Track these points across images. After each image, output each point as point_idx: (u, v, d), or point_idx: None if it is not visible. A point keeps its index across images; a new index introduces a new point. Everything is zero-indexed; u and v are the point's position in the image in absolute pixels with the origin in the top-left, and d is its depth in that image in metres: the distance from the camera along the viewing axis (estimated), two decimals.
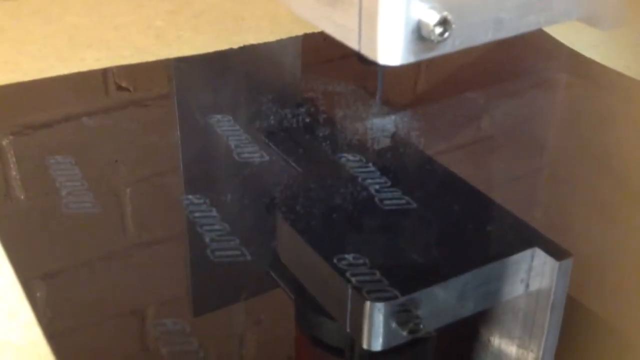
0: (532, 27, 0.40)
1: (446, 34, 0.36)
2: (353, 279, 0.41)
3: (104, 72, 0.64)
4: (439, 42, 0.36)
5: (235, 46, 0.68)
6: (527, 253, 0.40)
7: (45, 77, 0.63)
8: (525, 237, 0.41)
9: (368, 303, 0.37)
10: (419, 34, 0.36)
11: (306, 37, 0.70)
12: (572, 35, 0.71)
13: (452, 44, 0.37)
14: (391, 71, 0.66)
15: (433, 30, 0.35)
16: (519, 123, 0.62)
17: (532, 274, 0.40)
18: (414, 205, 0.47)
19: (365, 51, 0.38)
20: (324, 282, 0.41)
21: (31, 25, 0.70)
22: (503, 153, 0.59)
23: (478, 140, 0.61)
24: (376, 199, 0.48)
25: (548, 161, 0.59)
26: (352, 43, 0.39)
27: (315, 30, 0.71)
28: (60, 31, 0.70)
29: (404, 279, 0.41)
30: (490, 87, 0.67)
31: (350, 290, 0.38)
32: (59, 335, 0.40)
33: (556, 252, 0.39)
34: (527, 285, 0.40)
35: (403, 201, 0.48)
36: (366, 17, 0.36)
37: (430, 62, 0.72)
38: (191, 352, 0.40)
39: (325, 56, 0.70)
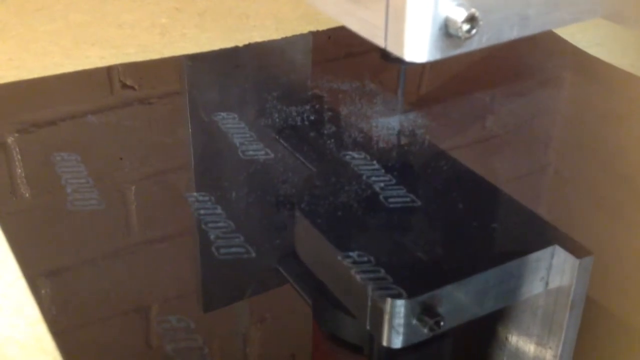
0: (558, 24, 0.39)
1: (473, 31, 0.35)
2: (358, 277, 0.41)
3: (109, 70, 0.64)
4: (466, 39, 0.36)
5: (240, 44, 0.68)
6: (547, 251, 0.39)
7: (50, 74, 0.63)
8: (544, 235, 0.41)
9: (389, 300, 0.36)
10: (446, 31, 0.35)
11: (311, 34, 0.70)
12: (577, 33, 0.71)
13: (479, 41, 0.37)
14: (396, 69, 0.66)
15: (460, 27, 0.35)
16: (525, 121, 0.62)
17: (552, 272, 0.40)
18: (419, 203, 0.47)
19: (392, 48, 0.37)
20: (338, 280, 0.40)
21: (36, 23, 0.70)
22: (509, 151, 0.59)
23: (483, 138, 0.61)
24: (381, 197, 0.48)
25: (553, 159, 0.59)
26: (377, 40, 0.38)
27: (320, 28, 0.71)
28: (65, 29, 0.70)
29: (409, 277, 0.41)
30: (495, 85, 0.67)
31: (370, 289, 0.37)
32: (64, 332, 0.40)
33: (576, 249, 0.39)
34: (547, 283, 0.40)
35: (408, 199, 0.48)
36: (393, 13, 0.36)
37: (435, 61, 0.72)
38: (196, 349, 0.40)
39: (331, 54, 0.70)
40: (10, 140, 0.56)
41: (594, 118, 0.62)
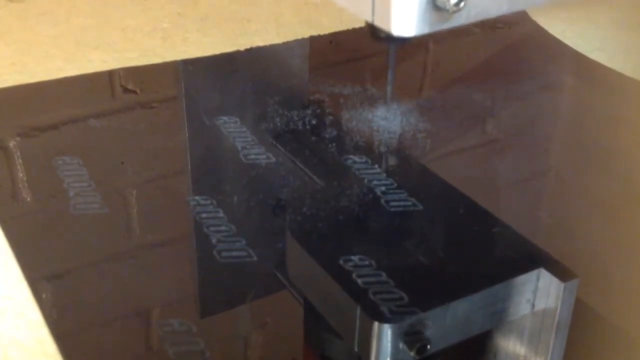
0: (546, 1, 0.39)
1: (462, 4, 0.35)
2: (359, 280, 0.41)
3: (111, 74, 0.64)
4: (454, 12, 0.35)
5: (241, 48, 0.68)
6: (533, 274, 0.40)
7: (52, 78, 0.63)
8: (531, 258, 0.41)
9: (376, 324, 0.37)
10: (434, 4, 0.35)
11: (312, 39, 0.70)
12: (577, 37, 0.71)
13: (467, 15, 0.36)
14: (397, 72, 0.66)
15: (449, 0, 0.35)
16: (524, 126, 0.62)
17: (538, 295, 0.40)
18: (420, 207, 0.47)
19: (379, 22, 0.37)
20: (329, 300, 0.40)
21: (38, 27, 0.71)
22: (509, 155, 0.59)
23: (483, 143, 0.61)
24: (382, 201, 0.48)
25: (554, 163, 0.59)
26: (365, 14, 0.38)
27: (322, 33, 0.71)
28: (67, 33, 0.70)
29: (410, 281, 0.41)
30: (495, 89, 0.67)
31: (359, 310, 0.38)
32: (66, 335, 0.41)
33: (561, 273, 0.39)
34: (533, 305, 0.40)
35: (409, 203, 0.48)
36: None
37: (436, 64, 0.72)
38: (197, 353, 0.40)
39: (332, 58, 0.70)
40: (11, 144, 0.56)
41: (594, 123, 0.62)
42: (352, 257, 0.42)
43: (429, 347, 0.37)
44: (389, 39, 0.37)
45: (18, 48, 0.67)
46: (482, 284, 0.39)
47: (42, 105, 0.61)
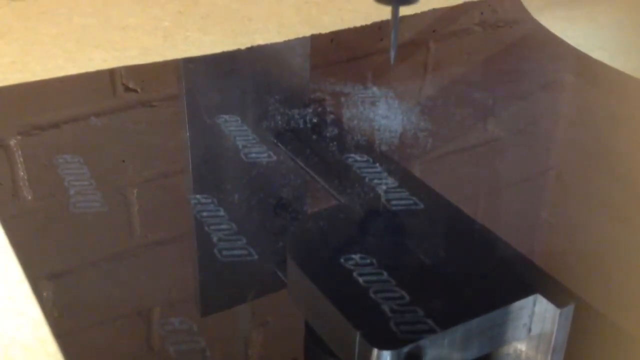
0: None
1: None
2: (360, 279, 0.41)
3: (112, 73, 0.64)
4: None
5: (242, 47, 0.68)
6: (530, 300, 0.40)
7: (53, 77, 0.63)
8: (528, 282, 0.41)
9: (375, 350, 0.37)
10: None
11: (313, 38, 0.70)
12: (578, 36, 0.71)
13: None
14: (398, 72, 0.66)
15: None
16: (526, 125, 0.62)
17: (534, 319, 0.40)
18: (422, 205, 0.47)
19: None
20: (336, 327, 0.40)
21: (39, 26, 0.71)
22: (510, 154, 0.59)
23: (485, 142, 0.61)
24: (383, 200, 0.48)
25: (555, 162, 0.59)
26: None
27: (323, 31, 0.71)
28: (68, 32, 0.70)
29: (411, 279, 0.41)
30: (497, 88, 0.67)
31: (358, 337, 0.38)
32: (67, 334, 0.41)
33: (558, 298, 0.40)
34: (530, 330, 0.41)
35: (411, 201, 0.48)
36: None
37: (437, 64, 0.72)
38: (198, 351, 0.40)
39: (333, 57, 0.70)
40: (13, 142, 0.56)
41: (596, 121, 0.62)
42: (353, 256, 0.42)
43: None
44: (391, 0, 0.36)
45: (19, 47, 0.67)
46: (480, 309, 0.39)
47: (43, 104, 0.61)
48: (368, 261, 0.42)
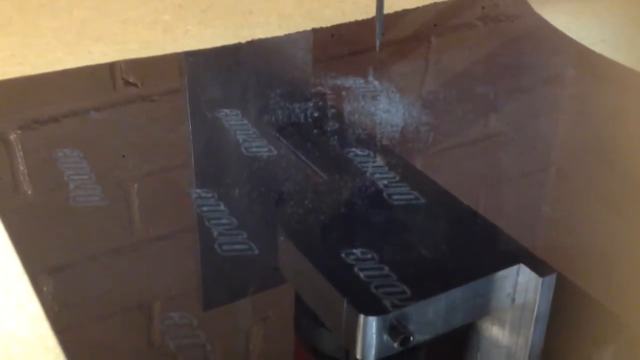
0: None
1: None
2: (361, 274, 0.41)
3: (112, 67, 0.64)
4: None
5: (243, 40, 0.68)
6: (513, 269, 0.41)
7: (53, 70, 0.63)
8: (511, 254, 0.42)
9: (361, 316, 0.38)
10: None
11: (314, 32, 0.70)
12: (581, 30, 0.71)
13: None
14: (399, 67, 0.66)
15: None
16: (528, 118, 0.62)
17: (518, 289, 0.41)
18: (423, 200, 0.47)
19: None
20: (324, 295, 0.41)
21: (39, 19, 0.70)
22: (512, 148, 0.59)
23: (487, 136, 0.61)
24: (385, 194, 0.48)
25: (557, 156, 0.59)
26: None
27: (324, 25, 0.71)
28: (68, 25, 0.70)
29: (412, 274, 0.41)
30: (498, 82, 0.67)
31: (345, 303, 0.39)
32: (67, 329, 0.40)
33: (540, 268, 0.41)
34: (513, 300, 0.41)
35: (412, 196, 0.48)
36: None
37: (439, 58, 0.71)
38: (198, 346, 0.40)
39: (334, 51, 0.70)
40: (12, 136, 0.55)
41: (598, 115, 0.62)
42: (354, 251, 0.42)
43: (412, 338, 0.38)
44: None
45: (18, 40, 0.67)
46: (464, 278, 0.40)
47: (43, 98, 0.60)
48: (357, 238, 0.43)
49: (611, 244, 0.49)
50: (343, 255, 0.42)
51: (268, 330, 0.43)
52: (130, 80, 0.63)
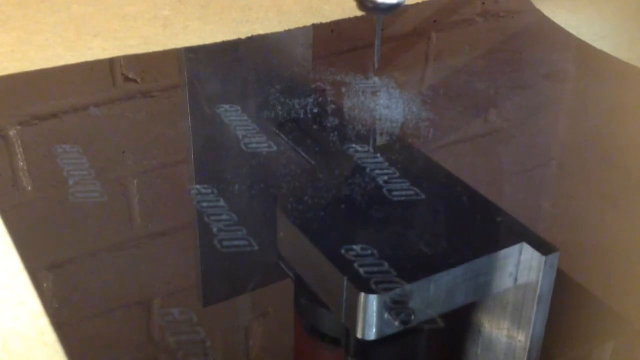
0: None
1: None
2: (361, 270, 0.41)
3: (112, 63, 0.64)
4: None
5: (243, 36, 0.67)
6: (516, 248, 0.41)
7: (53, 66, 0.62)
8: (514, 233, 0.42)
9: (362, 295, 0.37)
10: None
11: (315, 27, 0.70)
12: (582, 26, 0.70)
13: None
14: (400, 62, 0.66)
15: None
16: (528, 115, 0.62)
17: (521, 268, 0.41)
18: (423, 196, 0.47)
19: None
20: (324, 274, 0.41)
21: (38, 15, 0.70)
22: (512, 144, 0.59)
23: (487, 132, 0.60)
24: (384, 190, 0.48)
25: (557, 153, 0.59)
26: None
27: (324, 21, 0.70)
28: (68, 21, 0.70)
29: (412, 270, 0.41)
30: (499, 79, 0.67)
31: (345, 282, 0.38)
32: (66, 325, 0.40)
33: (543, 247, 0.40)
34: (516, 279, 0.41)
35: (412, 192, 0.47)
36: None
37: (439, 54, 0.71)
38: (198, 342, 0.40)
39: (334, 47, 0.70)
40: (12, 132, 0.55)
41: (598, 112, 0.62)
42: (354, 247, 0.42)
43: (413, 317, 0.38)
44: (376, 8, 0.36)
45: (18, 36, 0.67)
46: (465, 257, 0.40)
47: (43, 94, 0.60)
48: (356, 218, 0.43)
49: (611, 239, 0.49)
50: (343, 251, 0.42)
51: (268, 326, 0.43)
52: (130, 76, 0.63)
